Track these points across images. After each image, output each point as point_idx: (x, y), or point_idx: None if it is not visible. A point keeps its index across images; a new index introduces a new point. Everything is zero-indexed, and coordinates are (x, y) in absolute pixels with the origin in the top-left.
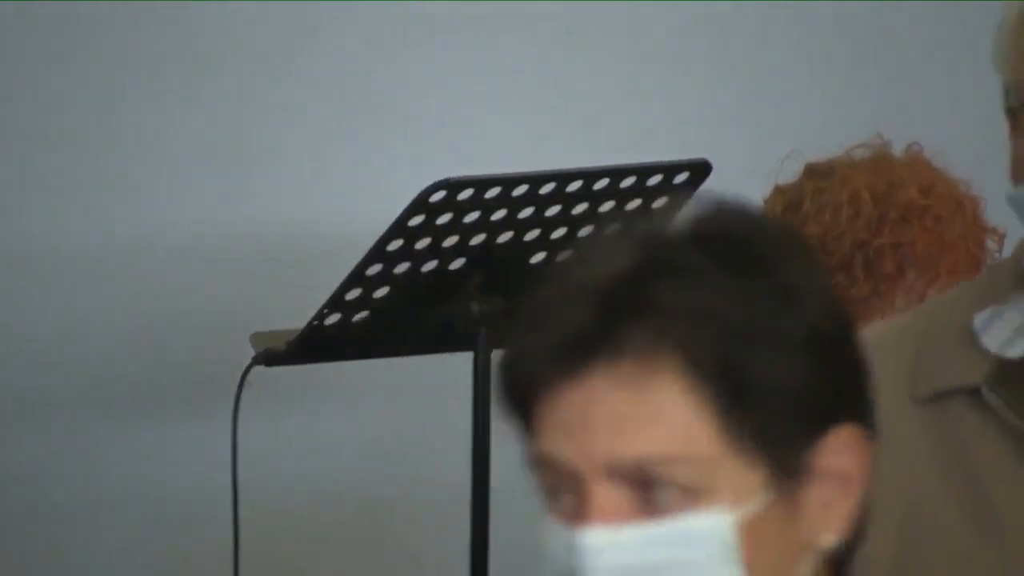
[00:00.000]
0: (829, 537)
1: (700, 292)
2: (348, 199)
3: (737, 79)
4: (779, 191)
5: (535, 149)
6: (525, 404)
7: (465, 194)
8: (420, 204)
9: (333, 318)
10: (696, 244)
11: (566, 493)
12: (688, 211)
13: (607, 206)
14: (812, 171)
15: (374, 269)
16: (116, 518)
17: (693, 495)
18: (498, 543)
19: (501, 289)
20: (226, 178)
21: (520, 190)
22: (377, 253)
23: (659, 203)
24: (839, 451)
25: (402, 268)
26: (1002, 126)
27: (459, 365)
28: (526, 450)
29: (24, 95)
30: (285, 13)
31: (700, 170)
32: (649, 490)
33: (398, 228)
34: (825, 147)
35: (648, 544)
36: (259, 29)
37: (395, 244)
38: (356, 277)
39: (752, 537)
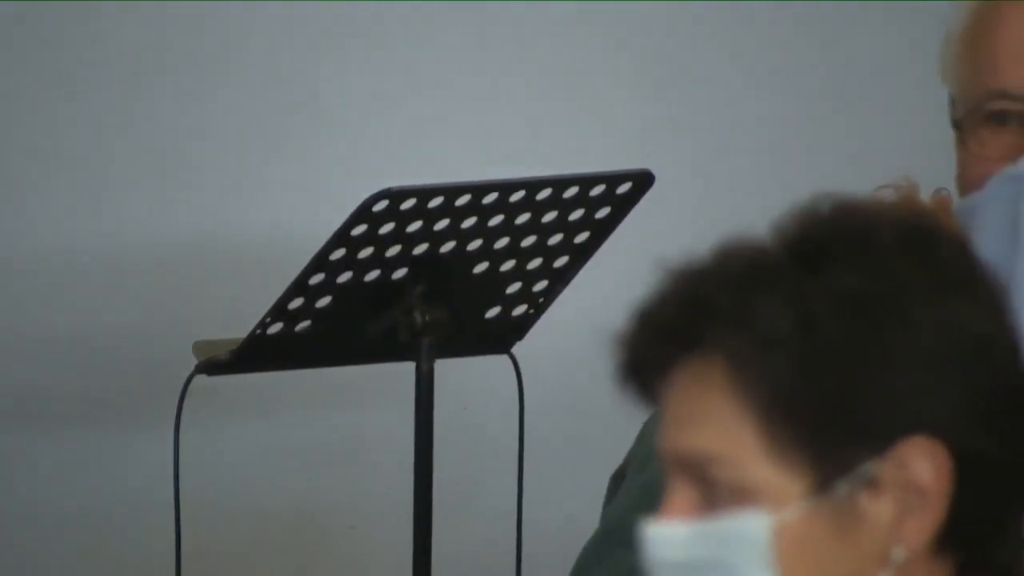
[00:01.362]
0: (901, 551)
1: (758, 299)
2: (290, 209)
3: (674, 89)
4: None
5: (479, 157)
6: (652, 395)
7: (407, 203)
8: (362, 213)
9: (275, 327)
10: (790, 252)
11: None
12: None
13: (550, 216)
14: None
15: (316, 278)
16: (57, 529)
17: (739, 496)
18: (440, 547)
19: (444, 298)
20: (167, 188)
21: (463, 200)
22: (319, 262)
23: (602, 213)
24: (911, 463)
25: (344, 277)
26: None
27: (402, 373)
28: None
29: None
30: (223, 22)
31: (643, 180)
32: (710, 488)
33: (340, 237)
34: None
35: (694, 541)
36: (197, 37)
37: (337, 253)
38: (298, 286)
39: (792, 543)
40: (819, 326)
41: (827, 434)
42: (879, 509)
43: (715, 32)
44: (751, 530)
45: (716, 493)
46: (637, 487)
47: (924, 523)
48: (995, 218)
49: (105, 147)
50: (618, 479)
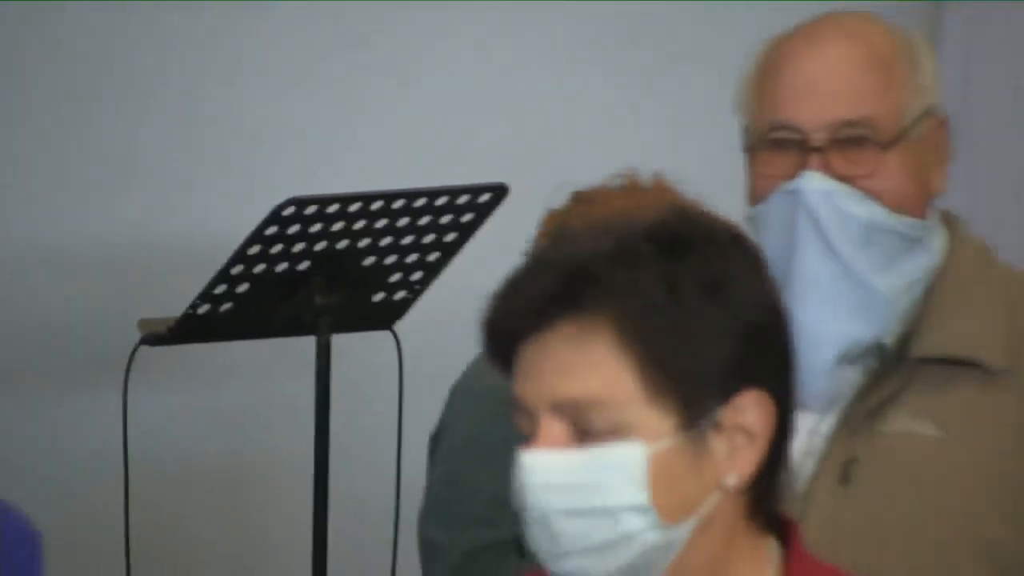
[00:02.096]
0: (733, 479)
1: (638, 274)
2: (214, 211)
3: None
4: (552, 214)
5: (380, 166)
6: (506, 354)
7: (311, 209)
8: (274, 217)
9: (204, 308)
10: (648, 238)
11: (532, 429)
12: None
13: (425, 220)
14: (578, 197)
15: (237, 269)
16: (18, 487)
17: (614, 432)
18: (337, 496)
19: (339, 286)
20: (110, 186)
21: (355, 207)
22: (239, 256)
23: (467, 217)
24: (746, 411)
25: (259, 268)
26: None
27: (304, 346)
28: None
29: None
30: (159, 24)
31: (500, 192)
32: (582, 425)
33: (256, 236)
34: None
35: (575, 467)
36: (134, 39)
37: (253, 249)
38: (222, 275)
39: (660, 469)
40: (684, 299)
41: (690, 384)
42: (720, 445)
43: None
44: (630, 457)
45: (588, 432)
46: (461, 443)
47: (752, 459)
48: (776, 223)
49: (63, 154)
50: (436, 440)
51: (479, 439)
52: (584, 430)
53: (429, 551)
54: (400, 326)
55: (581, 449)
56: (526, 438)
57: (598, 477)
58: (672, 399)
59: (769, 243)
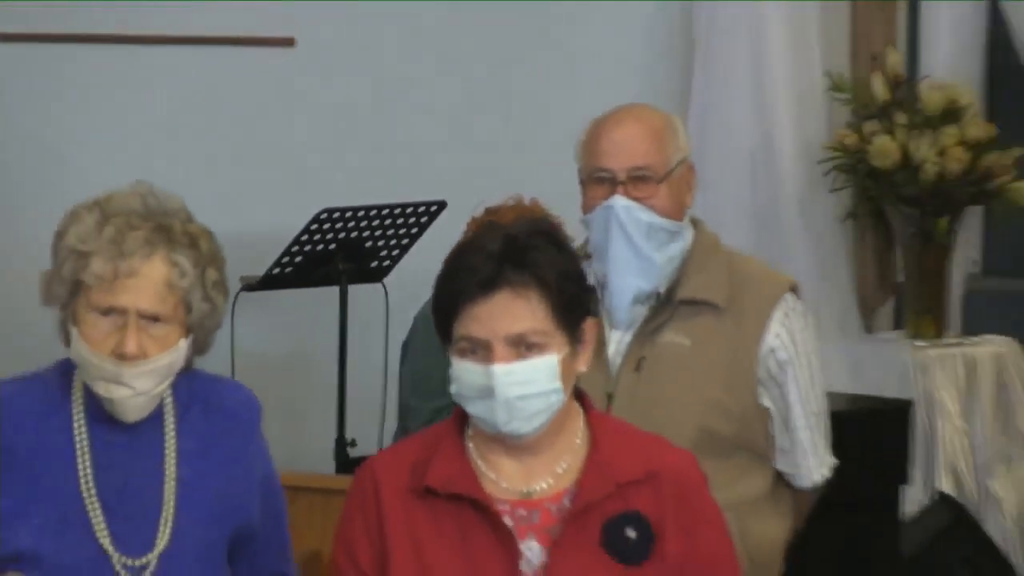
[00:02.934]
0: (583, 367)
1: (545, 256)
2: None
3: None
4: (474, 219)
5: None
6: (453, 313)
7: (336, 215)
8: (315, 219)
9: (277, 270)
10: (537, 234)
11: (478, 352)
12: (527, 222)
13: (400, 220)
14: (488, 210)
15: (295, 248)
16: None
17: (542, 350)
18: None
19: (351, 258)
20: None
21: (361, 213)
22: (296, 241)
23: (424, 219)
24: (586, 330)
25: (308, 248)
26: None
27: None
28: (453, 337)
29: None
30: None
31: (442, 205)
32: (523, 348)
33: (305, 230)
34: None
35: (523, 371)
36: None
37: (304, 237)
38: (287, 252)
39: (562, 368)
40: (568, 271)
41: (575, 319)
42: (581, 350)
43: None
44: (551, 363)
45: (526, 352)
46: (422, 348)
47: (587, 356)
48: (598, 224)
49: None
50: (405, 346)
51: (432, 344)
52: (524, 351)
53: (406, 413)
54: (387, 281)
55: (525, 361)
56: (470, 354)
57: (535, 375)
58: (567, 328)
59: (594, 236)
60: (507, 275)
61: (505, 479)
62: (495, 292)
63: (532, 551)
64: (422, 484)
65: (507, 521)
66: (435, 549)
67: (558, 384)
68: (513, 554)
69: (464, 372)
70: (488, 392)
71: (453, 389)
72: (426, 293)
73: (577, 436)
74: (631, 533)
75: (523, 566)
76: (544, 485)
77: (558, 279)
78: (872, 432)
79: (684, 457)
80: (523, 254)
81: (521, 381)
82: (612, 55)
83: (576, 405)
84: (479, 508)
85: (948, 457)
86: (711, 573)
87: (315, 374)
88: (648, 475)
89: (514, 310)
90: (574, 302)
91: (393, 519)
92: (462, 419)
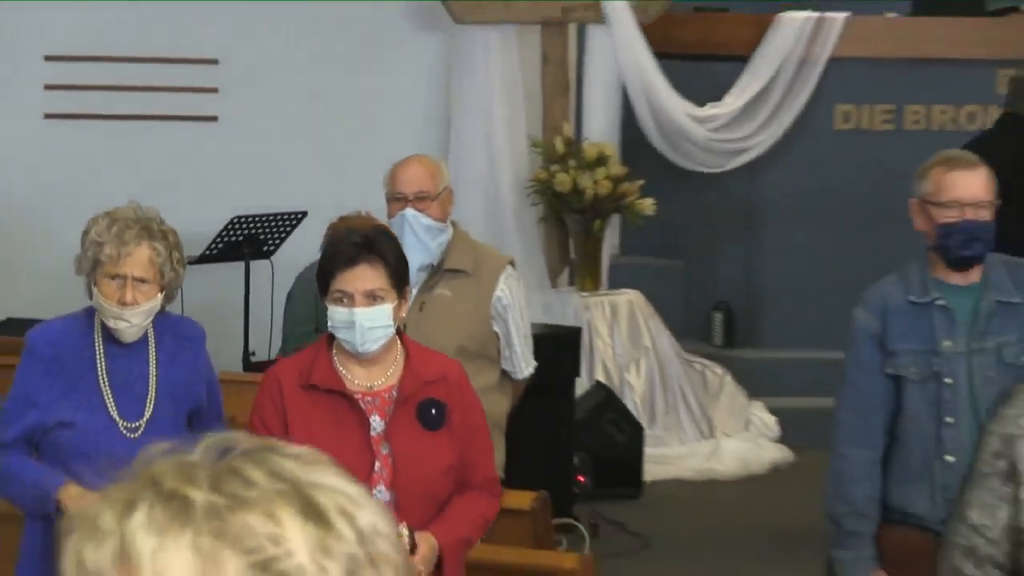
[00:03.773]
0: (403, 313)
1: (386, 245)
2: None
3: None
4: (333, 223)
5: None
6: (331, 276)
7: (247, 219)
8: (230, 222)
9: (206, 252)
10: (381, 233)
11: (345, 301)
12: (374, 227)
13: (279, 222)
14: (342, 218)
15: (216, 241)
16: None
17: (383, 300)
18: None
19: (251, 244)
20: None
21: (256, 218)
22: (219, 236)
23: (292, 221)
24: (407, 291)
25: (224, 240)
26: None
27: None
28: (330, 291)
29: None
30: None
31: (304, 214)
32: (372, 299)
33: (224, 228)
34: None
35: (375, 313)
36: None
37: (224, 235)
38: (214, 242)
39: (394, 313)
40: (399, 257)
41: (401, 284)
42: (403, 298)
43: None
44: (389, 308)
45: (373, 301)
46: (298, 296)
47: (406, 308)
48: (397, 226)
49: None
50: (288, 296)
51: (302, 297)
52: (372, 300)
53: (286, 336)
54: (273, 259)
55: (372, 307)
56: (341, 302)
57: (378, 316)
58: (397, 289)
59: (395, 232)
60: (364, 255)
61: (357, 379)
62: (357, 265)
63: (376, 422)
64: (308, 382)
65: (361, 404)
66: (318, 423)
67: (390, 322)
68: (365, 424)
69: (336, 313)
70: (351, 325)
71: (328, 324)
72: (299, 266)
73: (398, 353)
74: (433, 411)
75: (372, 432)
76: (381, 381)
77: (393, 259)
78: (557, 346)
79: (456, 365)
80: (373, 244)
81: (370, 318)
82: (405, 118)
83: (396, 335)
84: (344, 396)
85: (601, 360)
86: (475, 433)
87: (232, 314)
88: (440, 376)
89: (367, 275)
90: (402, 273)
91: (291, 404)
92: (330, 342)
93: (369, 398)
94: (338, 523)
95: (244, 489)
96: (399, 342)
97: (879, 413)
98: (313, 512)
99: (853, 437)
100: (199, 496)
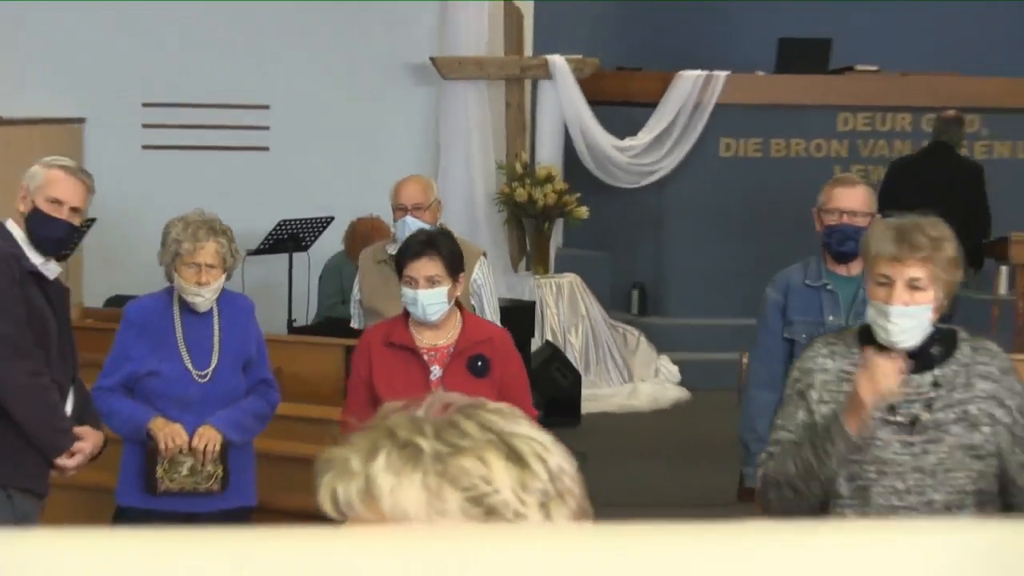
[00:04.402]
0: (458, 293)
1: (443, 242)
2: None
3: None
4: (352, 224)
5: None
6: (403, 265)
7: (288, 221)
8: (277, 226)
9: (261, 245)
10: (439, 233)
11: (411, 284)
12: (434, 229)
13: (313, 226)
14: (359, 220)
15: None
16: None
17: (440, 284)
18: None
19: (295, 241)
20: None
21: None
22: (269, 235)
23: (323, 224)
24: (461, 277)
25: (276, 236)
26: None
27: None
28: (403, 276)
29: None
30: None
31: (330, 219)
32: (432, 283)
33: (271, 233)
34: None
35: (437, 294)
36: None
37: (278, 232)
38: (265, 240)
39: (448, 293)
40: (453, 252)
41: (455, 272)
42: (459, 286)
43: None
44: (444, 290)
45: (433, 285)
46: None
47: (460, 288)
48: (399, 231)
49: None
50: (320, 279)
51: (330, 278)
52: (432, 285)
53: (320, 305)
54: (310, 252)
55: (432, 289)
56: (409, 285)
57: (437, 296)
58: (451, 275)
59: (398, 235)
60: (426, 250)
61: (424, 339)
62: (420, 258)
63: (436, 371)
64: (388, 341)
65: (425, 357)
66: (393, 371)
67: (446, 300)
68: (427, 372)
69: (406, 293)
70: (415, 302)
71: (402, 299)
72: (327, 257)
73: (457, 320)
74: (479, 363)
75: (432, 377)
76: (442, 342)
77: (448, 253)
78: (517, 316)
79: (502, 332)
80: (434, 241)
81: (429, 297)
82: (406, 146)
83: (456, 308)
84: (412, 352)
85: (549, 325)
86: (514, 379)
87: (278, 292)
88: (487, 338)
89: (428, 266)
90: (455, 264)
91: (376, 356)
92: (405, 314)
93: (432, 352)
94: (534, 464)
95: (460, 439)
96: (458, 312)
97: (780, 364)
98: (514, 456)
99: (760, 383)
100: (426, 444)
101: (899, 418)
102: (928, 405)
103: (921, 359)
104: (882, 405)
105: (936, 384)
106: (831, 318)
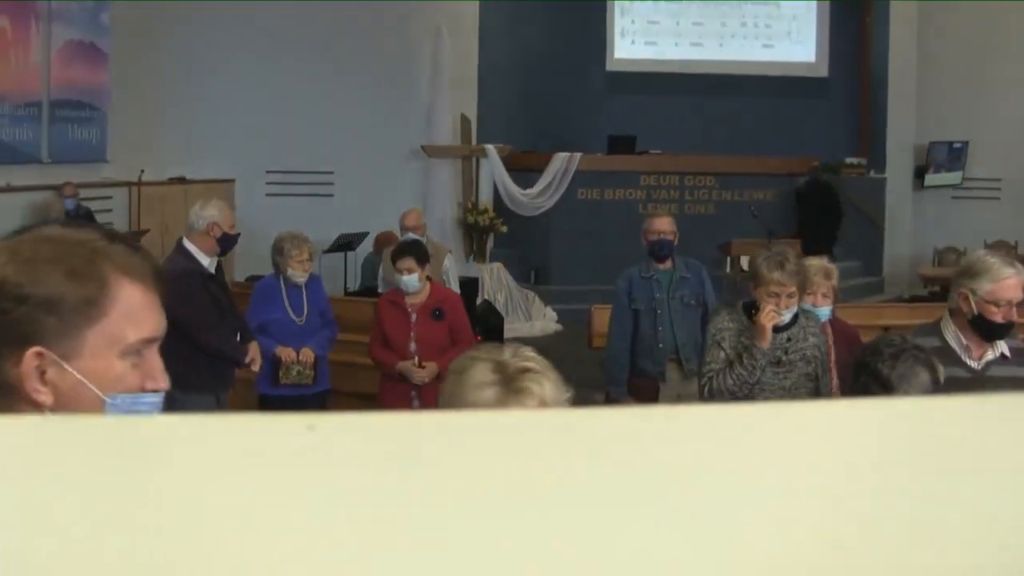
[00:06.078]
0: (428, 274)
1: (417, 246)
2: None
3: None
4: (378, 235)
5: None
6: (395, 261)
7: (346, 235)
8: (339, 236)
9: (328, 249)
10: (414, 241)
11: (401, 272)
12: (411, 239)
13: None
14: (382, 234)
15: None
16: None
17: (415, 272)
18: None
19: (349, 247)
20: None
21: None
22: (336, 241)
23: (358, 235)
24: (430, 267)
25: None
26: None
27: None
28: (396, 267)
29: None
30: None
31: (366, 233)
32: (410, 272)
33: (337, 238)
34: None
35: (411, 279)
36: None
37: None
38: (333, 245)
39: (421, 276)
40: (424, 251)
41: (424, 263)
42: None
43: None
44: (416, 276)
45: (411, 272)
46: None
47: (429, 273)
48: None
49: None
50: (362, 267)
51: (367, 269)
52: (410, 272)
53: (362, 282)
54: (357, 251)
55: (411, 275)
56: (399, 273)
57: (414, 280)
58: (421, 266)
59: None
60: (408, 252)
61: (408, 300)
62: (403, 257)
63: (414, 317)
64: (391, 300)
65: (408, 309)
66: (392, 318)
67: (418, 280)
68: (408, 317)
69: (398, 276)
70: (402, 281)
71: (393, 279)
72: (364, 252)
73: (428, 290)
74: (438, 312)
75: (411, 321)
76: (417, 301)
77: (418, 254)
78: (468, 286)
79: (453, 294)
80: (411, 247)
81: (409, 281)
82: (407, 196)
83: (427, 281)
84: (402, 307)
85: (486, 290)
86: (457, 320)
87: (338, 274)
88: (445, 298)
89: (407, 262)
90: (423, 258)
91: (384, 310)
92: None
93: (412, 307)
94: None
95: (525, 362)
96: (428, 284)
97: (629, 324)
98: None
99: (617, 336)
100: (510, 363)
101: (771, 358)
102: (785, 351)
103: (783, 326)
104: (770, 327)
105: (789, 339)
106: (659, 296)
